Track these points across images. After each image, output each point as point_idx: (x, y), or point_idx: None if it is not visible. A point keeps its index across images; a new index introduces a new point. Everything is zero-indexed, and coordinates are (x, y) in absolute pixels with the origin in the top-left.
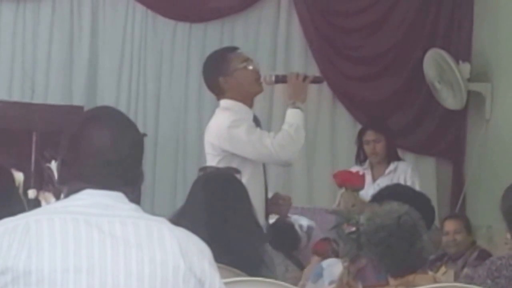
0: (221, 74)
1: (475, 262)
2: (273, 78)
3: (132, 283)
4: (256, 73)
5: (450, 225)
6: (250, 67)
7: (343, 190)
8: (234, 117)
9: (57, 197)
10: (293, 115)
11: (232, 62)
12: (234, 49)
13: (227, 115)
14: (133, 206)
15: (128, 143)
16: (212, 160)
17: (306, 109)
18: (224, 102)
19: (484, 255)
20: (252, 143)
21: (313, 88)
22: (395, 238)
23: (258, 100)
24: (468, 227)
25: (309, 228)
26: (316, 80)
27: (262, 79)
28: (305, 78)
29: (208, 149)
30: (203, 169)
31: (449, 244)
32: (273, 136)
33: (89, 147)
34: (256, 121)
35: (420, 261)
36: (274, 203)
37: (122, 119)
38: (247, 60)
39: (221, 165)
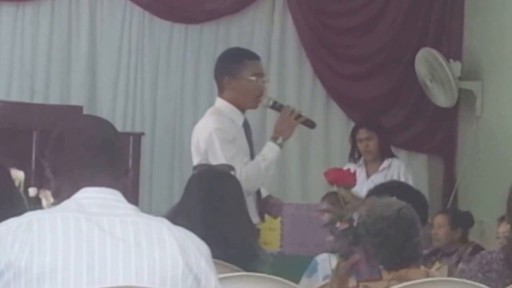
0: (229, 74)
1: (470, 258)
2: (270, 103)
3: (131, 280)
4: (260, 91)
5: (436, 219)
6: (257, 83)
7: (335, 187)
8: (219, 124)
9: None
10: (270, 150)
11: (244, 70)
12: (255, 57)
13: (214, 119)
14: (131, 205)
15: (108, 130)
16: (194, 161)
17: (300, 108)
18: (219, 102)
19: (478, 250)
20: (224, 159)
21: (307, 86)
22: (394, 229)
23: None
24: (452, 223)
25: None
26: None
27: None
28: (298, 117)
29: (192, 148)
30: (198, 166)
31: (432, 237)
32: (244, 163)
33: (72, 137)
34: (246, 127)
35: (415, 255)
36: (266, 203)
37: (99, 117)
38: (259, 74)
39: None
